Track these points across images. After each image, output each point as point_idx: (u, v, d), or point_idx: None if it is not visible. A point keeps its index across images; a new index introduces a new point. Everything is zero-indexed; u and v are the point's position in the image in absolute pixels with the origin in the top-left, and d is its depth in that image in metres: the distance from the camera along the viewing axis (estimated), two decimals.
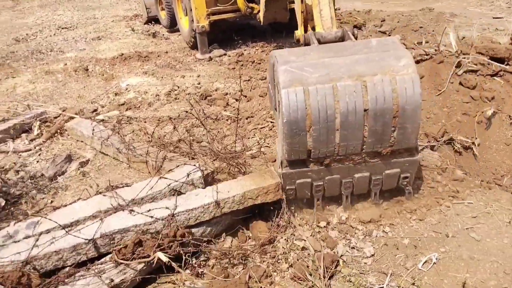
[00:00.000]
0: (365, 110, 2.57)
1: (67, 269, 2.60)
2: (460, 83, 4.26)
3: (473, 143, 3.73)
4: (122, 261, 2.54)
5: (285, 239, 2.98)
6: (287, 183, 2.95)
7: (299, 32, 3.98)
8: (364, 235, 3.01)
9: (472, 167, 3.69)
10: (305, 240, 2.94)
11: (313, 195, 3.04)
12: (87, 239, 2.59)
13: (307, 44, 3.31)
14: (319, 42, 3.15)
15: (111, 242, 2.68)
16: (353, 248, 2.91)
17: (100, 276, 2.46)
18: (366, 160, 2.83)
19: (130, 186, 3.16)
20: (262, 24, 6.91)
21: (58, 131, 4.66)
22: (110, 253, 2.66)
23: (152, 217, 2.73)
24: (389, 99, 2.54)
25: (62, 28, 11.81)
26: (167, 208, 2.80)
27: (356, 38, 3.15)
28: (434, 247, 2.89)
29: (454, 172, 3.56)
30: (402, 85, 2.54)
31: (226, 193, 2.93)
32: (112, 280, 2.46)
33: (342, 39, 3.21)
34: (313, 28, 3.63)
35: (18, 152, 4.34)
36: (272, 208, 3.16)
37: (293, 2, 7.67)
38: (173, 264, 2.53)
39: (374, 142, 2.70)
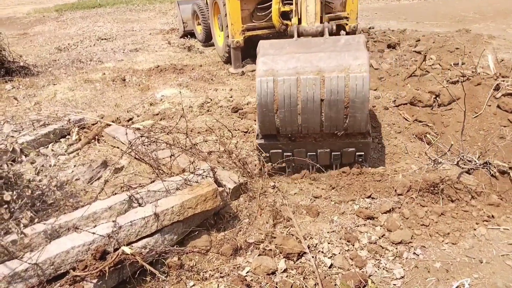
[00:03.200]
0: (321, 100, 3.09)
1: None
2: (498, 106, 4.18)
3: (510, 167, 3.64)
4: (81, 273, 2.45)
5: (312, 256, 2.97)
6: (262, 151, 3.58)
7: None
8: (394, 256, 2.96)
9: (509, 192, 3.58)
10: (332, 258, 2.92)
11: (284, 162, 3.62)
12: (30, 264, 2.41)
13: (291, 35, 3.87)
14: (301, 35, 3.77)
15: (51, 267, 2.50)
16: (382, 268, 2.86)
17: None
18: (326, 138, 3.39)
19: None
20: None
21: (96, 137, 4.83)
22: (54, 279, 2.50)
23: (94, 233, 2.64)
24: (342, 92, 3.02)
25: (102, 39, 12.29)
26: (107, 227, 2.70)
27: (331, 34, 3.74)
28: (466, 272, 2.81)
29: (489, 196, 3.47)
30: (354, 81, 2.99)
31: (165, 206, 2.89)
32: None
33: (321, 33, 3.82)
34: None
35: (57, 155, 4.51)
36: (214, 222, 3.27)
37: (329, 20, 7.74)
38: (145, 264, 2.56)
39: (331, 126, 3.22)
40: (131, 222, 2.74)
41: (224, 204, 3.31)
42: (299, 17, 4.24)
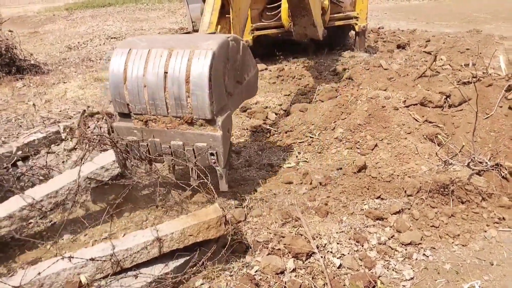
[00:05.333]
0: (166, 73, 3.00)
1: None
2: (510, 108, 4.15)
3: None
4: None
5: (321, 256, 2.96)
6: (120, 137, 3.38)
7: None
8: (404, 257, 2.95)
9: None
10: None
11: (141, 156, 3.37)
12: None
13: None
14: None
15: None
16: (392, 269, 2.85)
17: None
18: (176, 126, 3.16)
19: None
20: (296, 39, 7.05)
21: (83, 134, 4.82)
22: None
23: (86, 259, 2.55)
24: (184, 65, 2.96)
25: (111, 38, 12.38)
26: (103, 249, 2.61)
27: None
28: (477, 274, 2.79)
29: (500, 198, 3.44)
30: (197, 55, 2.95)
31: (164, 231, 2.70)
32: None
33: None
34: None
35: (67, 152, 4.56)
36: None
37: (339, 20, 7.76)
38: None
39: (176, 106, 3.06)
40: (127, 248, 2.62)
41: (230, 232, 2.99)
42: None
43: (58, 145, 4.71)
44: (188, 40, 3.19)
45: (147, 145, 3.29)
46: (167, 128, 3.17)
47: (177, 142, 3.19)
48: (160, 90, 3.02)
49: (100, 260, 2.54)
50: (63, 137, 4.80)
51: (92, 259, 2.52)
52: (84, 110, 4.69)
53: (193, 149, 3.17)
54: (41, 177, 3.92)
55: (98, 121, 4.52)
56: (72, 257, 2.54)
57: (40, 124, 5.15)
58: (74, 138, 4.78)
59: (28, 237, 3.06)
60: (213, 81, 2.92)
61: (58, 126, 4.78)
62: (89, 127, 4.61)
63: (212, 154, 3.14)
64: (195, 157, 3.20)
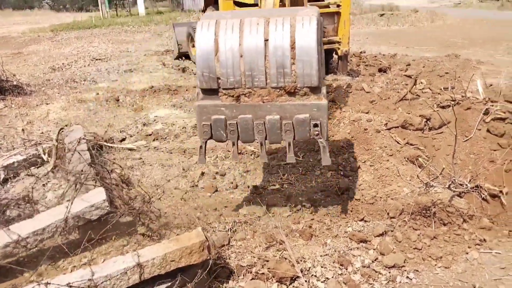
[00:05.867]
0: (265, 41, 2.83)
1: None
2: (488, 131, 4.25)
3: (500, 191, 3.67)
4: None
5: (305, 280, 2.94)
6: (203, 118, 3.06)
7: None
8: (387, 280, 2.95)
9: (500, 216, 3.61)
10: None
11: (228, 137, 3.08)
12: None
13: None
14: None
15: None
16: None
17: None
18: (273, 98, 2.95)
19: None
20: None
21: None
22: None
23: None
24: (287, 31, 2.81)
25: (96, 59, 12.36)
26: (81, 276, 2.50)
27: None
28: None
29: (481, 220, 3.48)
30: (300, 21, 2.81)
31: (145, 257, 2.62)
32: None
33: None
34: None
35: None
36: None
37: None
38: None
39: (277, 75, 2.86)
40: (106, 274, 2.54)
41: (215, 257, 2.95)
42: None
43: (38, 167, 4.62)
44: (282, 10, 3.14)
45: (236, 123, 3.02)
46: (263, 102, 2.96)
47: (274, 116, 2.95)
48: (260, 59, 2.85)
49: (78, 287, 2.47)
50: (45, 159, 4.72)
51: (69, 286, 2.45)
52: (61, 128, 4.63)
53: (292, 122, 2.96)
54: (26, 210, 3.83)
55: (78, 143, 4.46)
56: (49, 283, 2.46)
57: (20, 146, 5.06)
58: (51, 156, 4.70)
59: (5, 263, 2.96)
60: (318, 47, 2.80)
61: (37, 149, 4.70)
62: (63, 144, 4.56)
63: (315, 126, 2.94)
64: (294, 131, 2.99)
